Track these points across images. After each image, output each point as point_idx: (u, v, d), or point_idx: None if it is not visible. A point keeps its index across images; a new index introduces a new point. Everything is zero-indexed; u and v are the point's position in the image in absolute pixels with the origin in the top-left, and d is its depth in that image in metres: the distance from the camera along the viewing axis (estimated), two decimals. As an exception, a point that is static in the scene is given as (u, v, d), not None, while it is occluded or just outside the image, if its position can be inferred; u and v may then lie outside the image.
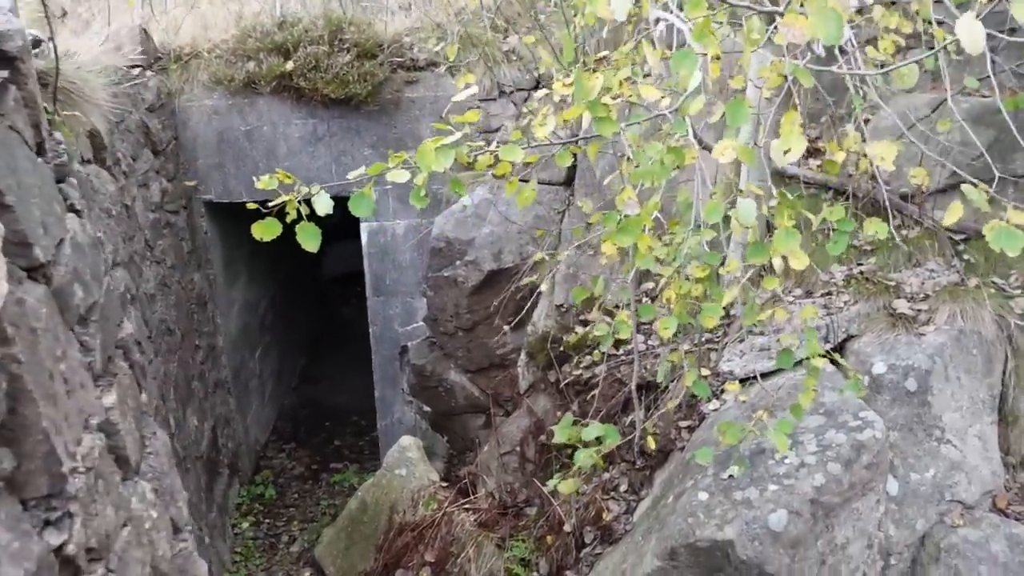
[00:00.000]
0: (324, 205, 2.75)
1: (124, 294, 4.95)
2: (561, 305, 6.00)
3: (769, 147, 2.67)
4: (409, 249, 7.20)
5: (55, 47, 2.69)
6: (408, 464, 6.31)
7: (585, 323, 5.80)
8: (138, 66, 6.38)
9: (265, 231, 2.76)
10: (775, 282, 2.96)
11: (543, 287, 6.24)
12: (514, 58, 6.94)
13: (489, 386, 6.95)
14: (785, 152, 2.30)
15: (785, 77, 2.75)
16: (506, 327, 5.82)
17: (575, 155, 6.61)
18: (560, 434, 3.69)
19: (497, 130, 6.94)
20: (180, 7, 7.09)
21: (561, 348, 5.90)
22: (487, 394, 7.03)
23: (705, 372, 4.94)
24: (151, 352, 5.47)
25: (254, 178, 5.78)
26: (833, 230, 3.10)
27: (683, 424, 4.97)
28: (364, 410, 8.85)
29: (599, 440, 3.58)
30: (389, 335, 7.49)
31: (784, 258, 2.61)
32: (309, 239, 2.73)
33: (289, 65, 6.58)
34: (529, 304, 6.36)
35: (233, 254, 7.80)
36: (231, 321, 7.73)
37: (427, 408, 7.53)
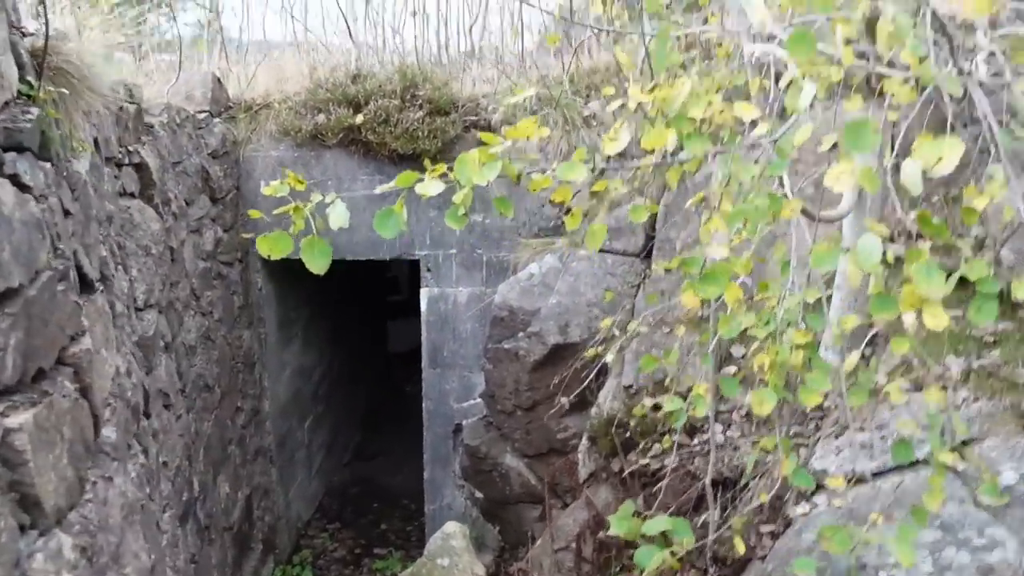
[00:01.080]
0: (339, 217, 2.28)
1: (155, 338, 4.56)
2: (630, 386, 5.37)
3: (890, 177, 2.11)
4: (471, 319, 6.71)
5: (47, 24, 2.35)
6: (452, 553, 5.66)
7: (656, 408, 5.17)
8: (205, 112, 6.19)
9: (274, 247, 2.29)
10: (905, 345, 2.32)
11: (611, 365, 5.66)
12: (593, 123, 6.53)
13: (547, 474, 6.30)
14: (936, 162, 1.72)
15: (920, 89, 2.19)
16: (564, 401, 5.21)
17: (653, 223, 6.11)
18: (617, 526, 3.06)
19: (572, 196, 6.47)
20: (258, 59, 6.95)
21: (627, 433, 5.26)
22: (544, 482, 6.38)
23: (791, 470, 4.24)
24: (182, 407, 5.04)
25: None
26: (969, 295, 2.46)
27: (765, 529, 4.25)
28: (417, 493, 8.25)
29: (665, 537, 2.93)
30: (443, 411, 6.95)
31: (918, 313, 2.00)
32: (316, 257, 2.25)
33: (359, 118, 6.30)
34: (594, 384, 5.77)
35: (289, 315, 7.45)
36: (280, 385, 7.31)
37: (479, 494, 6.89)
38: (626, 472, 5.18)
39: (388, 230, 2.29)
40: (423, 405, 6.98)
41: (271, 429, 7.11)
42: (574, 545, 5.34)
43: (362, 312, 10.29)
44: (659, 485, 4.66)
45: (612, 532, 3.08)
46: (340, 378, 9.27)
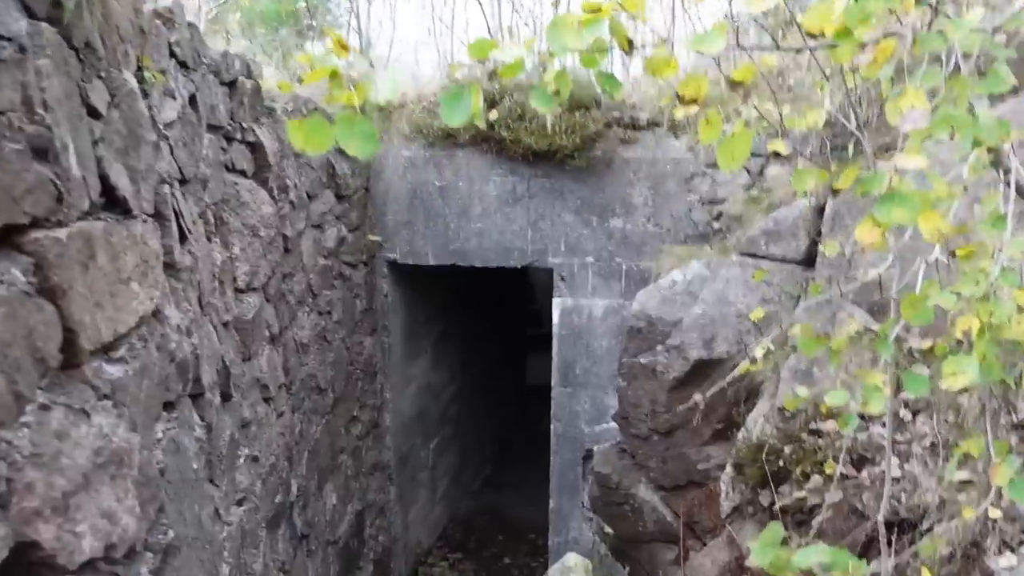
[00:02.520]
0: (391, 86, 1.77)
1: (256, 324, 4.25)
2: (785, 408, 4.60)
3: None
4: (606, 334, 6.10)
5: None
6: (571, 591, 5.02)
7: (816, 433, 4.38)
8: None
9: (309, 136, 1.79)
10: None
11: (763, 385, 4.92)
12: (751, 121, 5.83)
13: (685, 509, 5.55)
14: None
15: None
16: (698, 399, 4.48)
17: (819, 227, 5.32)
18: (760, 555, 2.36)
19: (723, 201, 5.80)
20: (394, 58, 6.72)
21: (780, 462, 4.47)
22: (681, 520, 5.63)
23: (993, 512, 3.38)
24: (285, 404, 4.70)
25: (446, 240, 4.94)
26: None
27: (957, 586, 3.38)
28: (546, 528, 7.66)
29: (823, 576, 2.22)
30: (573, 435, 6.34)
31: None
32: (356, 139, 1.73)
33: (493, 114, 5.89)
34: (744, 407, 5.02)
35: (417, 328, 7.09)
36: (404, 401, 6.93)
37: (608, 529, 6.20)
38: (777, 506, 4.39)
39: (457, 117, 1.75)
40: (551, 427, 6.40)
41: (391, 445, 6.72)
42: (712, 591, 4.58)
43: (500, 341, 9.86)
44: (816, 521, 3.87)
45: (753, 562, 2.40)
46: (471, 403, 8.84)
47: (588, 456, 6.30)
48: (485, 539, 8.17)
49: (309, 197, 5.36)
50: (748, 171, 5.78)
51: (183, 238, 2.90)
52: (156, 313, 2.35)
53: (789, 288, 5.13)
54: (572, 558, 5.23)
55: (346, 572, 5.72)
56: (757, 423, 4.80)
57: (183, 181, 3.22)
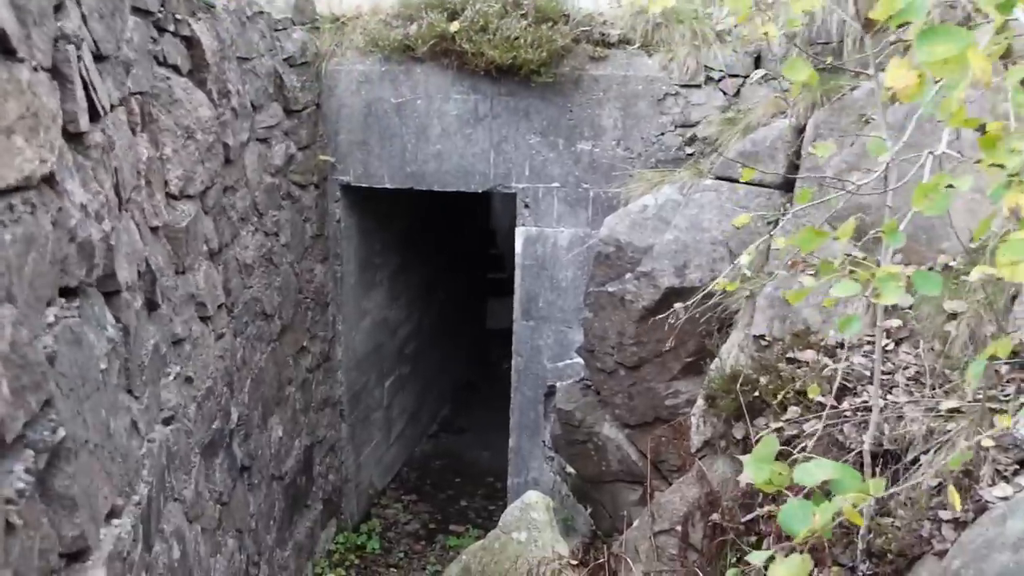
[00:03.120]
0: None
1: (191, 235, 3.86)
2: (762, 336, 4.34)
3: None
4: (572, 264, 5.80)
5: None
6: (531, 527, 4.78)
7: (794, 362, 4.14)
8: (285, 17, 5.52)
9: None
10: None
11: (738, 315, 4.69)
12: (728, 38, 5.50)
13: (652, 446, 5.31)
14: None
15: None
16: (679, 308, 4.19)
17: (798, 149, 5.04)
18: (755, 471, 2.08)
19: (697, 124, 5.49)
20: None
21: (756, 393, 4.23)
22: (646, 458, 5.40)
23: (986, 441, 3.16)
24: (225, 325, 4.34)
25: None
26: None
27: (945, 516, 3.16)
28: (504, 472, 7.43)
29: (827, 495, 1.94)
30: (535, 371, 6.06)
31: None
32: None
33: (454, 25, 5.49)
34: (717, 339, 4.77)
35: (373, 258, 6.72)
36: (358, 335, 6.58)
37: (570, 469, 5.97)
38: (753, 440, 4.16)
39: None
40: (512, 363, 6.11)
41: (343, 380, 6.39)
42: (679, 528, 4.34)
43: (461, 281, 9.52)
44: (795, 457, 3.64)
45: (748, 479, 2.12)
46: (430, 343, 8.52)
47: (550, 393, 6.03)
48: (441, 482, 7.91)
49: (254, 107, 4.94)
50: (724, 92, 5.47)
51: (94, 113, 2.50)
52: (50, 181, 1.98)
53: (767, 213, 4.85)
54: (533, 495, 4.98)
55: (293, 509, 5.42)
56: (731, 353, 4.56)
57: (99, 57, 2.81)
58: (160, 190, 3.61)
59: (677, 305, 4.00)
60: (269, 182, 5.15)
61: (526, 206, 5.79)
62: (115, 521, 2.27)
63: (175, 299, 3.66)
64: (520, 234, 5.84)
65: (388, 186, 5.93)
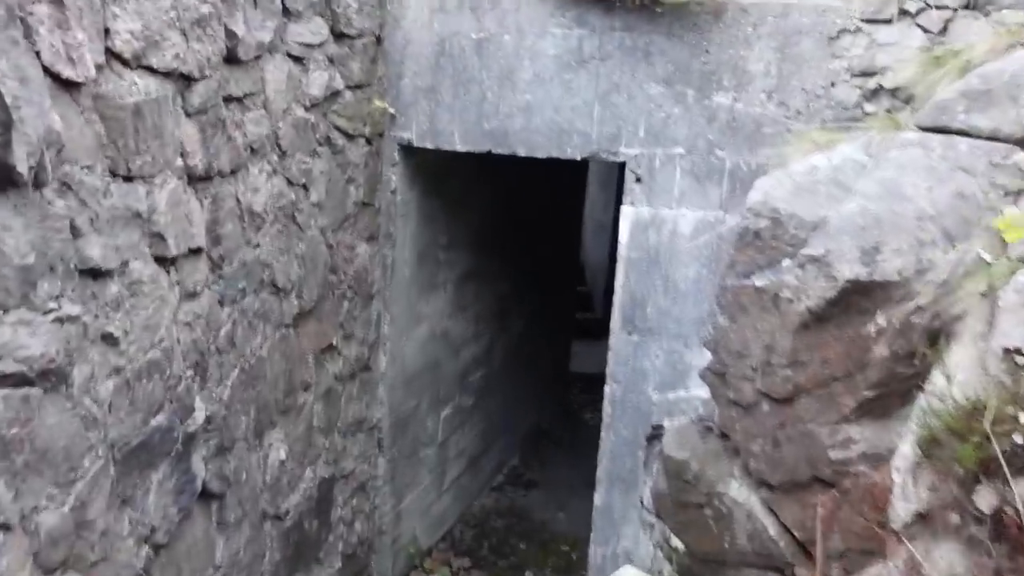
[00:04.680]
0: None
1: (140, 116, 2.53)
2: (1018, 350, 2.75)
3: None
4: (696, 260, 4.29)
5: None
6: (626, 621, 3.21)
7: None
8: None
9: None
10: None
11: (963, 321, 3.16)
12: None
13: (804, 520, 3.69)
14: None
15: None
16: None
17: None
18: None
19: (883, 71, 3.97)
20: None
21: (1015, 437, 2.64)
22: (792, 536, 3.78)
23: None
24: (203, 283, 2.98)
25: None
26: None
27: None
28: (582, 539, 5.89)
29: None
30: (635, 403, 4.52)
31: None
32: None
33: (558, -66, 4.15)
34: (928, 353, 3.18)
35: (435, 251, 5.34)
36: (409, 345, 5.17)
37: (677, 543, 4.36)
38: (1007, 513, 2.56)
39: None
40: (605, 390, 4.59)
41: (385, 400, 4.96)
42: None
43: (543, 310, 8.05)
44: None
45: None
46: (501, 374, 7.06)
47: (656, 435, 4.48)
48: (503, 546, 6.36)
49: (287, 9, 3.66)
50: (924, 28, 3.95)
51: None
52: None
53: (1002, 178, 3.28)
54: (629, 571, 3.43)
55: (294, 564, 3.95)
56: (956, 376, 2.97)
57: None
58: (99, 40, 2.30)
59: (880, 321, 2.43)
60: (300, 116, 3.84)
61: (638, 179, 4.33)
62: None
63: (100, 209, 2.31)
64: (627, 216, 4.37)
65: (459, 148, 4.56)
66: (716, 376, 3.84)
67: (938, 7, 3.93)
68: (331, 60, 4.11)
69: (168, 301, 2.71)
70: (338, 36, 4.15)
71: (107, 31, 2.37)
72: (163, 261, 2.70)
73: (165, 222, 2.67)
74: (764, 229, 3.48)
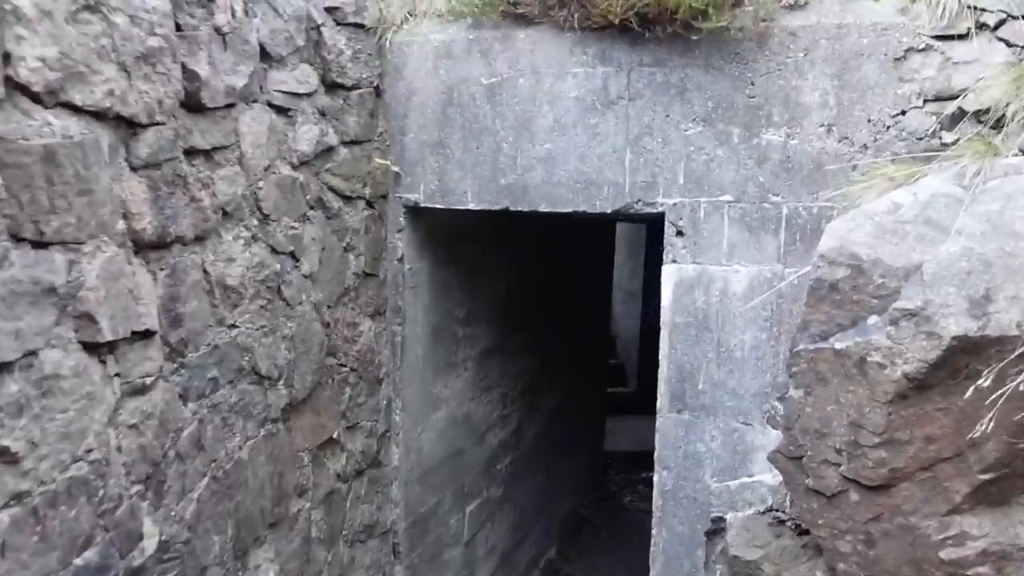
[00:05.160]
0: None
1: (58, 158, 1.99)
2: None
3: None
4: (752, 322, 3.67)
5: None
6: None
7: None
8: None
9: None
10: None
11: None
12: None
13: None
14: None
15: None
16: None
17: None
18: None
19: (963, 93, 3.39)
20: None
21: None
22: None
23: None
24: (149, 370, 2.40)
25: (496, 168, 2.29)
26: None
27: None
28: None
29: None
30: (690, 493, 3.84)
31: None
32: None
33: (575, -39, 3.68)
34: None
35: (452, 325, 4.77)
36: (426, 433, 4.56)
37: (750, 663, 3.64)
38: None
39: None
40: (654, 479, 3.92)
41: (401, 499, 4.32)
42: None
43: (575, 385, 7.42)
44: None
45: None
46: (532, 459, 6.39)
47: (717, 530, 3.79)
48: (543, 655, 5.60)
49: (267, 54, 3.18)
50: (1007, 42, 3.38)
51: None
52: None
53: None
54: None
55: None
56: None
57: None
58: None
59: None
60: (286, 175, 3.33)
61: (679, 232, 3.75)
62: None
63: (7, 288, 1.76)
64: (669, 276, 3.77)
65: (472, 207, 4.02)
66: (790, 460, 3.19)
67: (1015, 16, 3.37)
68: (322, 113, 3.61)
69: (100, 399, 2.13)
70: (330, 86, 3.67)
71: (6, 56, 1.86)
72: (94, 348, 2.14)
73: (96, 299, 2.12)
74: (843, 280, 2.86)
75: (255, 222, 3.12)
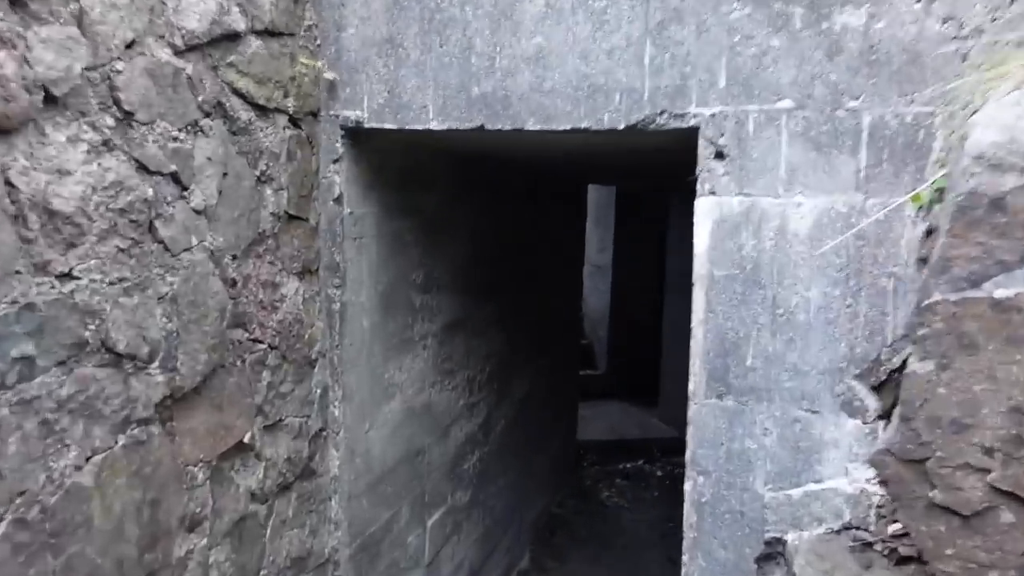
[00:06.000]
0: None
1: None
2: None
3: None
4: (822, 273, 2.69)
5: None
6: None
7: None
8: None
9: None
10: None
11: None
12: None
13: None
14: None
15: None
16: None
17: None
18: None
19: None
20: None
21: None
22: None
23: None
24: None
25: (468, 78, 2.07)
26: None
27: None
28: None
29: None
30: (735, 506, 2.86)
31: None
32: None
33: None
34: None
35: (409, 291, 3.72)
36: (373, 430, 3.51)
37: None
38: None
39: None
40: (684, 487, 2.93)
41: (343, 518, 3.27)
42: None
43: (549, 368, 6.42)
44: None
45: None
46: (503, 454, 5.38)
47: (773, 554, 2.82)
48: None
49: None
50: None
51: None
52: None
53: None
54: None
55: None
56: None
57: None
58: None
59: None
60: (165, 61, 2.24)
61: (718, 154, 2.75)
62: None
63: None
64: (707, 213, 2.77)
65: (435, 126, 2.97)
66: (905, 464, 2.21)
67: None
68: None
69: None
70: (233, -49, 2.58)
71: None
72: None
73: None
74: (1014, 193, 1.89)
75: (109, 121, 2.03)
